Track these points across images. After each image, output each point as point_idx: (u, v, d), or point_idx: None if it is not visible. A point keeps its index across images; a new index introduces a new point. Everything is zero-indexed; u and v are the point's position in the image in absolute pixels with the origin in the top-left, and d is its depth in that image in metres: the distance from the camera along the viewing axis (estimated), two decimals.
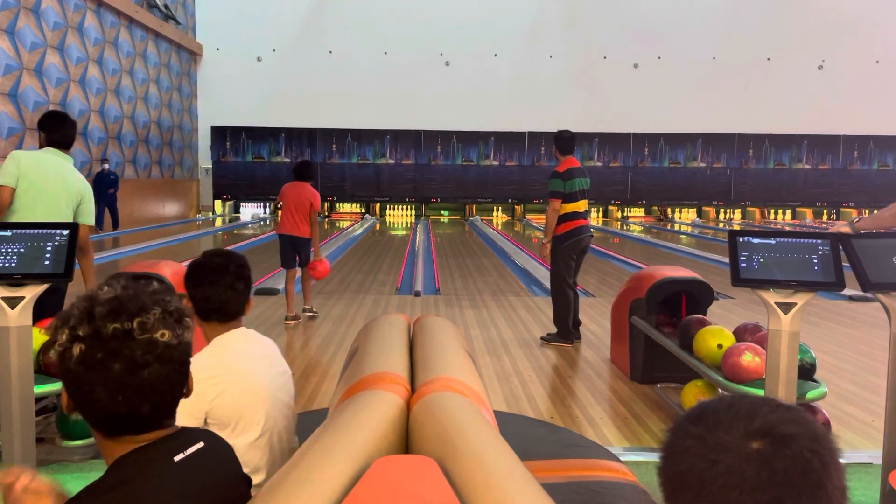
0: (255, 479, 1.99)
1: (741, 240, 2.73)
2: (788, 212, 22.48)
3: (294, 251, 6.36)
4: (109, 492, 1.15)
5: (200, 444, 1.26)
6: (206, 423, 1.95)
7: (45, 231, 2.57)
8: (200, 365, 1.98)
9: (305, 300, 6.62)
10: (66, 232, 2.56)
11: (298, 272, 6.47)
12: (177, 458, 1.21)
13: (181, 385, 1.24)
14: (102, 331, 1.15)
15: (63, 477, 3.17)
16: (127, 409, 1.16)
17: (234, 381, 1.96)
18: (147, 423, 1.21)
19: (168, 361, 1.19)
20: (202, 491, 1.22)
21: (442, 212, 22.13)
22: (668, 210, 22.55)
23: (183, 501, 1.19)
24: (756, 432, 0.80)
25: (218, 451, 1.32)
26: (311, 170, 6.60)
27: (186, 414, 1.90)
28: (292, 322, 6.31)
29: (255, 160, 21.49)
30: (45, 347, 3.38)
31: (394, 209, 21.92)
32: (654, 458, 3.07)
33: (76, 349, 1.14)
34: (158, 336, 1.17)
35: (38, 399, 3.14)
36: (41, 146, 3.97)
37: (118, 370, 1.14)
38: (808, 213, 22.31)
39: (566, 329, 5.58)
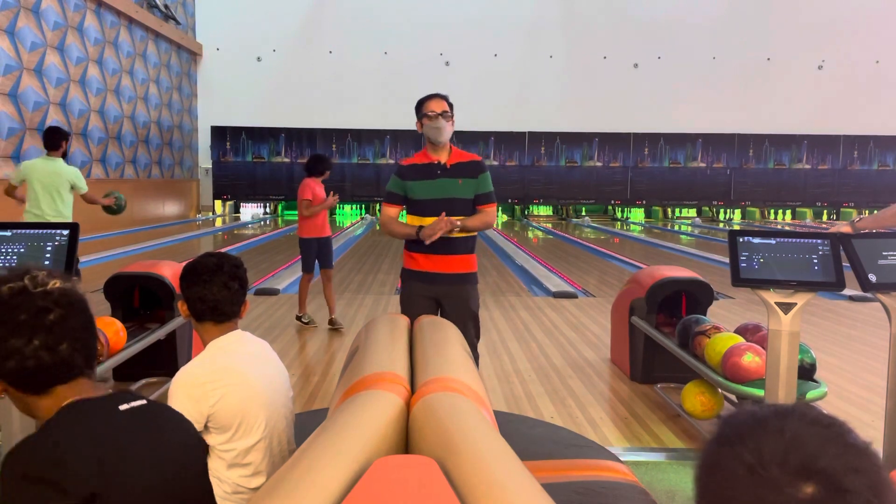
0: (256, 482, 1.99)
1: (741, 240, 2.73)
2: (788, 212, 22.49)
3: (316, 253, 6.17)
4: (57, 430, 1.22)
5: (143, 402, 1.36)
6: (206, 428, 1.95)
7: (45, 231, 2.57)
8: (199, 369, 1.98)
9: (331, 310, 6.20)
10: (66, 232, 2.56)
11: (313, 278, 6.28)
12: (122, 407, 1.31)
13: (87, 328, 1.33)
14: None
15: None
16: (48, 352, 1.25)
17: (234, 385, 1.95)
18: (71, 366, 1.29)
19: (68, 305, 1.29)
20: (147, 438, 1.31)
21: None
22: (669, 210, 22.58)
23: (127, 444, 1.26)
24: (814, 475, 0.72)
25: (163, 411, 1.43)
26: (316, 162, 6.13)
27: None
28: (306, 320, 6.19)
29: (255, 160, 21.49)
30: None
31: None
32: (654, 458, 3.07)
33: None
34: (52, 286, 1.28)
35: None
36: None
37: (25, 319, 1.24)
38: (808, 213, 22.32)
39: None
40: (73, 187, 5.62)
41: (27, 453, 1.19)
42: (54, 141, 5.55)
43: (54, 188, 5.51)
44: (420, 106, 3.48)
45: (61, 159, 5.61)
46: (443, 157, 3.47)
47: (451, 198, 3.42)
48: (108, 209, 5.98)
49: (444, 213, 3.34)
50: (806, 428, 0.75)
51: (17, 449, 1.21)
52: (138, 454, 1.26)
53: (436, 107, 3.42)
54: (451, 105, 3.47)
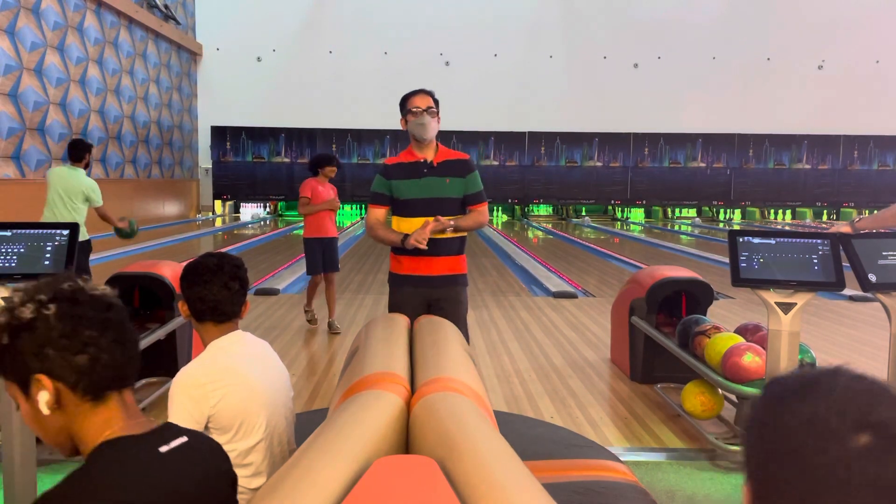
0: (256, 483, 1.98)
1: (741, 240, 2.73)
2: (788, 212, 22.50)
3: (321, 254, 6.04)
4: (95, 476, 1.15)
5: (185, 439, 1.28)
6: (207, 428, 1.94)
7: (45, 231, 2.57)
8: (199, 370, 1.97)
9: (330, 313, 6.15)
10: (66, 232, 2.56)
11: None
12: (162, 450, 1.22)
13: (135, 332, 1.29)
14: (62, 289, 1.21)
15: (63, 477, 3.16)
16: (120, 347, 1.21)
17: (235, 385, 1.95)
18: (128, 370, 1.25)
19: (121, 309, 1.25)
20: (185, 484, 1.23)
21: None
22: (669, 210, 22.61)
23: (166, 493, 1.19)
24: (872, 426, 0.75)
25: (202, 447, 1.33)
26: (315, 161, 6.07)
27: (188, 419, 1.89)
28: (308, 318, 6.16)
29: (255, 160, 21.49)
30: None
31: None
32: (654, 458, 3.07)
33: (51, 310, 1.18)
34: (101, 289, 1.25)
35: None
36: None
37: (94, 315, 1.20)
38: (808, 213, 22.33)
39: None
40: (87, 199, 5.74)
41: (62, 500, 1.13)
42: (78, 153, 5.78)
43: (69, 197, 5.67)
44: (404, 102, 3.32)
45: (83, 170, 5.78)
46: (429, 155, 3.31)
47: (439, 197, 3.27)
48: (119, 231, 5.95)
49: (435, 217, 3.20)
50: (856, 383, 0.79)
51: (51, 495, 1.13)
52: (174, 501, 1.21)
53: (420, 102, 3.25)
54: (436, 101, 3.30)
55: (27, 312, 1.17)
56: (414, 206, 3.27)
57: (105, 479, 1.14)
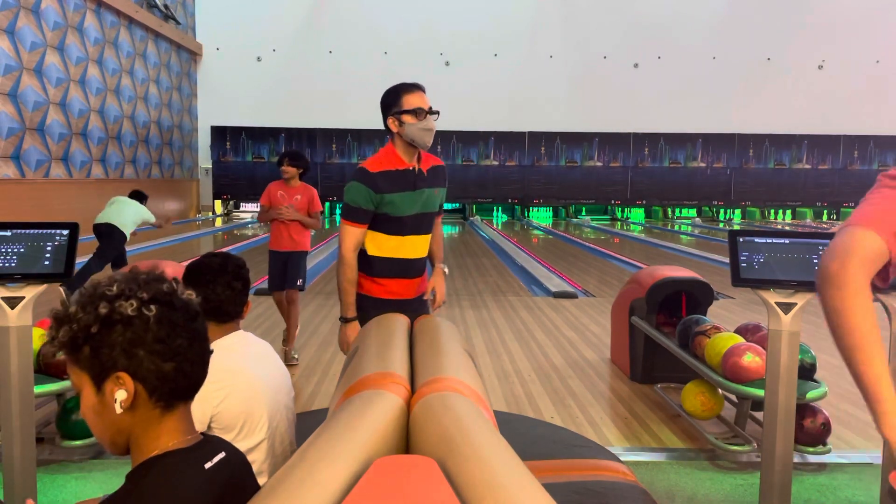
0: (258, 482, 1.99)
1: (741, 240, 2.73)
2: (788, 212, 22.50)
3: (278, 268, 5.16)
4: (146, 493, 1.14)
5: (223, 454, 1.28)
6: (210, 427, 1.95)
7: (45, 231, 2.57)
8: None
9: (289, 338, 5.14)
10: (65, 232, 2.55)
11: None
12: (206, 466, 1.22)
13: (209, 345, 1.29)
14: (162, 291, 1.20)
15: (63, 477, 3.17)
16: (200, 359, 1.22)
17: (238, 385, 1.95)
18: (200, 383, 1.25)
19: (203, 319, 1.27)
20: (223, 499, 1.23)
21: None
22: (669, 210, 22.62)
23: None
24: None
25: (236, 461, 1.33)
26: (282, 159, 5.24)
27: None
28: (296, 359, 5.10)
29: (255, 160, 21.49)
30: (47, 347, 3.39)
31: None
32: (654, 458, 3.07)
33: (152, 311, 1.16)
34: (188, 294, 1.26)
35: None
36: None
37: (187, 323, 1.20)
38: (808, 213, 22.33)
39: None
40: (143, 222, 7.29)
41: None
42: (139, 198, 7.45)
43: (126, 205, 7.20)
44: (396, 98, 2.77)
45: (140, 204, 7.37)
46: (415, 162, 2.81)
47: (430, 213, 2.83)
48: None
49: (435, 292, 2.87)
50: None
51: None
52: None
53: (423, 102, 2.74)
54: None
55: (129, 309, 1.14)
56: (408, 223, 2.78)
57: (155, 496, 1.14)
